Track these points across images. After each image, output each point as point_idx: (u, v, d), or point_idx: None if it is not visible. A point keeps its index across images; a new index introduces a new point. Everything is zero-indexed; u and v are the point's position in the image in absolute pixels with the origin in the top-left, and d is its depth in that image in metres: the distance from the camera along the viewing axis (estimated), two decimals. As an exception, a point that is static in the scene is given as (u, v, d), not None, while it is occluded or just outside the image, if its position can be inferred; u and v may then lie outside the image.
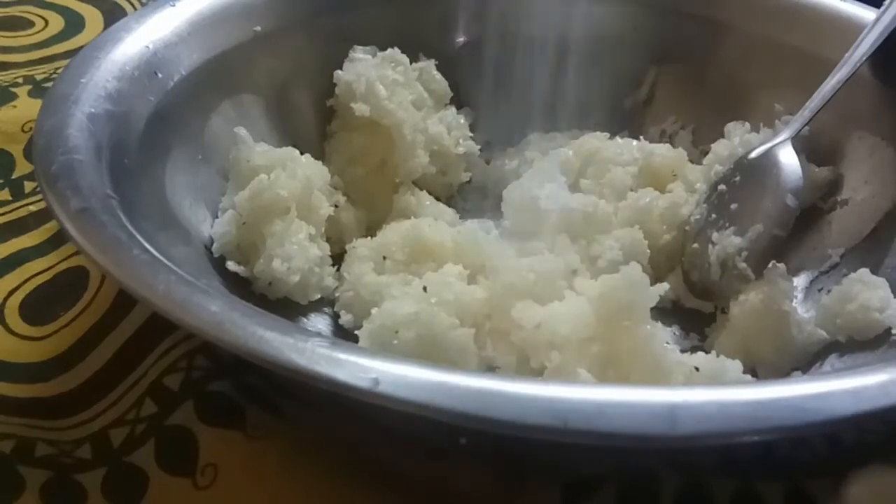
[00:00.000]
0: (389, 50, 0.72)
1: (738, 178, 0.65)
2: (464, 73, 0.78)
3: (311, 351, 0.38)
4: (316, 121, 0.73)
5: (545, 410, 0.35)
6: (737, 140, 0.69)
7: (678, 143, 0.76)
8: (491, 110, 0.79)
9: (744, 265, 0.60)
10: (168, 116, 0.60)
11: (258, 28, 0.68)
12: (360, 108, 0.67)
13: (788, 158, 0.63)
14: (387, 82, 0.69)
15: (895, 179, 0.63)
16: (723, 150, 0.69)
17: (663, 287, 0.52)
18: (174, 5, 0.65)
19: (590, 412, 0.35)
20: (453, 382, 0.37)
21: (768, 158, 0.64)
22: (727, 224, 0.63)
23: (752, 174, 0.64)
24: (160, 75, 0.61)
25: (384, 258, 0.62)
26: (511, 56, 0.78)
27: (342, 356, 0.38)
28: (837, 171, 0.67)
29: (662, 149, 0.72)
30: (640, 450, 0.36)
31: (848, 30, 0.67)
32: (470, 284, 0.59)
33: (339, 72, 0.70)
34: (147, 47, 0.61)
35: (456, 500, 0.47)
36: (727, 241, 0.62)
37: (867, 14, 0.68)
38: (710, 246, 0.63)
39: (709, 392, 0.37)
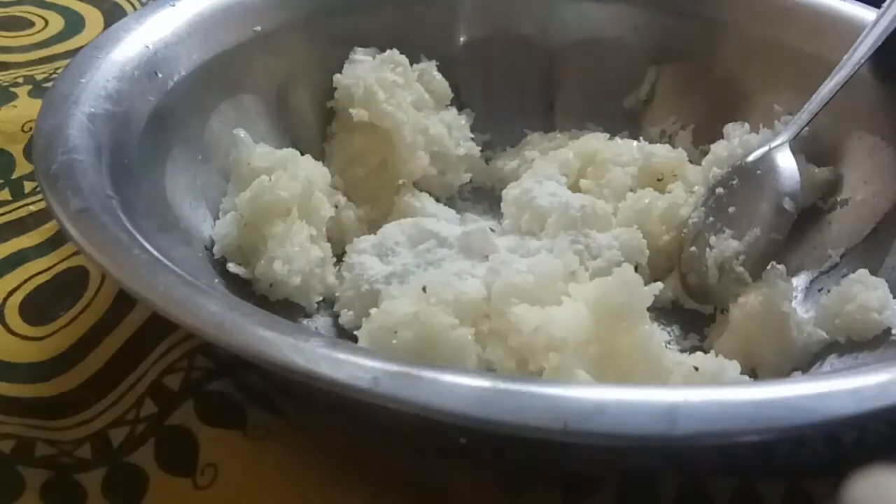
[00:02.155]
0: (388, 51, 0.72)
1: (735, 182, 0.65)
2: (464, 74, 0.78)
3: (311, 351, 0.38)
4: (316, 121, 0.73)
5: (545, 411, 0.35)
6: (736, 141, 0.69)
7: (678, 144, 0.76)
8: (491, 111, 0.79)
9: (741, 269, 0.60)
10: (168, 116, 0.60)
11: (258, 28, 0.68)
12: (359, 114, 0.68)
13: (786, 162, 0.63)
14: (386, 84, 0.69)
15: (895, 179, 0.63)
16: (722, 151, 0.69)
17: (657, 287, 0.52)
18: (174, 5, 0.65)
19: (590, 413, 0.35)
20: (454, 383, 0.37)
21: (766, 162, 0.63)
22: (724, 228, 0.62)
23: (749, 178, 0.64)
24: (160, 75, 0.61)
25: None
26: (511, 56, 0.78)
27: (342, 356, 0.38)
28: (837, 171, 0.67)
29: (662, 149, 0.72)
30: (641, 450, 0.36)
31: (848, 30, 0.67)
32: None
33: (338, 75, 0.70)
34: (147, 47, 0.61)
35: (456, 500, 0.47)
36: (724, 245, 0.61)
37: (867, 14, 0.68)
38: (708, 250, 0.63)
39: (708, 392, 0.37)
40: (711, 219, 0.64)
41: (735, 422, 0.35)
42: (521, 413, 0.35)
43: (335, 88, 0.70)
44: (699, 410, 0.36)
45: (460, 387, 0.37)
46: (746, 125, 0.70)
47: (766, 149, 0.64)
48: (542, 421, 0.35)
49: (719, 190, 0.65)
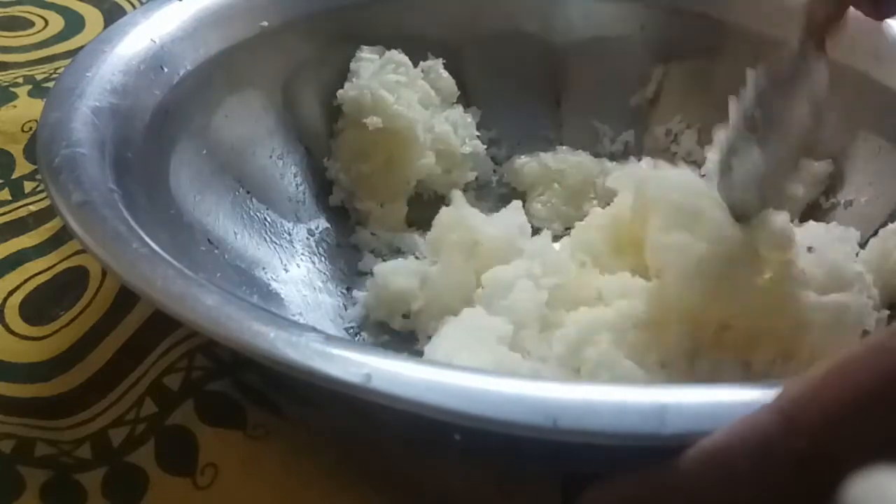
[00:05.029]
0: (388, 53, 0.72)
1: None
2: (471, 72, 0.78)
3: (305, 346, 0.37)
4: (322, 117, 0.73)
5: (535, 409, 0.35)
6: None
7: (683, 143, 0.75)
8: (497, 108, 0.79)
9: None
10: (173, 111, 0.60)
11: (265, 23, 0.69)
12: (373, 122, 0.68)
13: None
14: (390, 86, 0.69)
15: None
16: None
17: None
18: (181, 0, 0.65)
19: (579, 411, 0.35)
20: (445, 380, 0.36)
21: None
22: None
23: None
24: (166, 70, 0.61)
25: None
26: (518, 54, 0.79)
27: (336, 351, 0.37)
28: (836, 164, 0.67)
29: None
30: (632, 449, 0.36)
31: (855, 31, 0.66)
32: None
33: (341, 91, 0.70)
34: (153, 42, 0.62)
35: (456, 499, 0.47)
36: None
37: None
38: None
39: (699, 391, 0.37)
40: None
41: (725, 421, 0.35)
42: (512, 410, 0.35)
43: (342, 104, 0.71)
44: (689, 409, 0.36)
45: (451, 384, 0.36)
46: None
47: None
48: (532, 419, 0.35)
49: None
